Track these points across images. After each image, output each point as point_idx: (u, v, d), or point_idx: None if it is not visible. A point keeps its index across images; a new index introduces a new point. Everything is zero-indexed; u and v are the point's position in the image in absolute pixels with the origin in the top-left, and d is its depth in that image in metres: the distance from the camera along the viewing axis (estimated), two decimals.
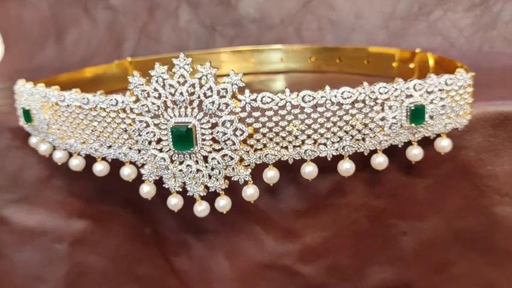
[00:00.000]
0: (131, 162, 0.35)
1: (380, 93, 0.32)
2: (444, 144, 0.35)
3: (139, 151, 0.34)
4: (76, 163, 0.38)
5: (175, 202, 0.35)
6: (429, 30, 0.63)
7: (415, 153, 0.34)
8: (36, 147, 0.42)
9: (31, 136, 0.42)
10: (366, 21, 0.64)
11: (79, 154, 0.37)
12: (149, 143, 0.33)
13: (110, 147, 0.35)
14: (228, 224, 0.45)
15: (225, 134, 0.32)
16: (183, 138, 0.32)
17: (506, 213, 0.41)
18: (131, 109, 0.33)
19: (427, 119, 0.33)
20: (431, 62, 0.47)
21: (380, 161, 0.34)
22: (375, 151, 0.34)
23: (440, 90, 0.33)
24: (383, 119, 0.32)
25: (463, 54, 0.62)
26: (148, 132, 0.33)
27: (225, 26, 0.67)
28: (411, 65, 0.50)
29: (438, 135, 0.35)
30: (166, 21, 0.69)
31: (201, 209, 0.35)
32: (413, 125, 0.33)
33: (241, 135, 0.32)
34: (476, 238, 0.42)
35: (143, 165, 0.35)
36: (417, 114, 0.33)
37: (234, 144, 0.32)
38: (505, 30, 0.61)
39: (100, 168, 0.36)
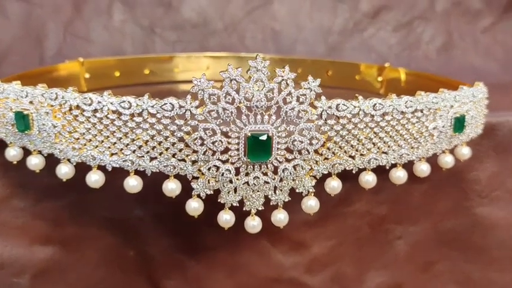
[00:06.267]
0: (175, 176, 0.31)
1: (433, 103, 0.33)
2: (465, 152, 0.38)
3: (193, 162, 0.30)
4: (96, 179, 0.32)
5: (227, 218, 0.32)
6: (364, 46, 0.67)
7: (448, 160, 0.37)
8: (14, 160, 0.35)
9: (9, 148, 0.35)
10: (308, 34, 0.66)
11: (98, 168, 0.32)
12: (214, 153, 0.29)
13: (154, 159, 0.30)
14: (230, 240, 0.42)
15: (301, 142, 0.30)
16: (261, 147, 0.29)
17: (485, 213, 0.45)
18: (192, 115, 0.29)
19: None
20: (403, 77, 0.50)
21: (423, 169, 0.35)
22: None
23: (470, 101, 0.36)
24: (435, 127, 0.34)
25: None
26: (214, 142, 0.29)
27: (165, 28, 0.63)
28: (380, 79, 0.53)
29: None
30: (96, 19, 0.62)
31: (254, 224, 0.33)
32: (456, 133, 0.35)
33: (316, 144, 0.30)
34: (457, 238, 0.46)
35: (194, 178, 0.31)
36: (460, 123, 0.35)
37: (308, 153, 0.30)
38: (427, 49, 0.68)
39: (134, 184, 0.31)
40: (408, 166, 0.35)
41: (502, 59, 0.71)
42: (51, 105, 0.31)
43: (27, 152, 0.34)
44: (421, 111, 0.33)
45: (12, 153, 0.35)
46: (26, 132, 0.32)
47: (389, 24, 0.68)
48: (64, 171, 0.32)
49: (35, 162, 0.34)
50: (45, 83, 0.48)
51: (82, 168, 0.32)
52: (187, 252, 0.42)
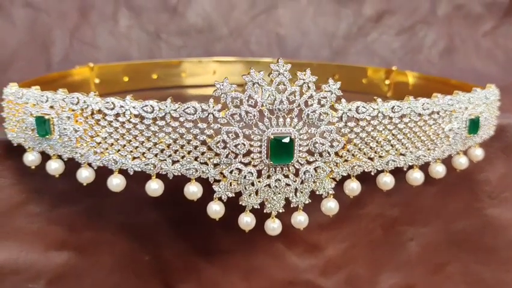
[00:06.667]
0: (196, 179, 0.31)
1: (449, 105, 0.34)
2: (478, 153, 0.38)
3: (215, 165, 0.30)
4: (117, 183, 0.32)
5: (248, 221, 0.32)
6: (368, 50, 0.68)
7: (462, 161, 0.37)
8: (32, 164, 0.35)
9: (27, 153, 0.35)
10: (312, 38, 0.67)
11: (119, 171, 0.32)
12: (236, 156, 0.30)
13: (176, 162, 0.30)
14: (245, 243, 0.42)
15: (322, 145, 0.30)
16: (284, 150, 0.29)
17: (495, 214, 0.46)
18: (215, 118, 0.29)
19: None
20: (411, 80, 0.51)
21: (439, 170, 0.36)
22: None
23: (484, 103, 0.36)
24: (450, 129, 0.34)
25: None
26: (237, 145, 0.29)
27: (171, 34, 0.63)
28: (387, 82, 0.54)
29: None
30: (102, 24, 0.62)
31: (274, 226, 0.33)
32: (470, 135, 0.35)
33: (337, 146, 0.30)
34: (468, 239, 0.46)
35: (216, 181, 0.31)
36: (474, 125, 0.35)
37: (329, 155, 0.31)
38: (429, 54, 0.69)
39: (155, 187, 0.31)
40: (422, 168, 0.36)
41: (503, 62, 0.71)
42: (73, 110, 0.31)
43: (44, 157, 0.34)
44: (437, 113, 0.33)
45: (31, 158, 0.35)
46: (47, 137, 0.32)
47: (392, 29, 0.69)
48: (85, 175, 0.33)
49: (55, 167, 0.34)
50: (57, 88, 0.48)
51: (99, 173, 0.33)
52: (202, 255, 0.42)
